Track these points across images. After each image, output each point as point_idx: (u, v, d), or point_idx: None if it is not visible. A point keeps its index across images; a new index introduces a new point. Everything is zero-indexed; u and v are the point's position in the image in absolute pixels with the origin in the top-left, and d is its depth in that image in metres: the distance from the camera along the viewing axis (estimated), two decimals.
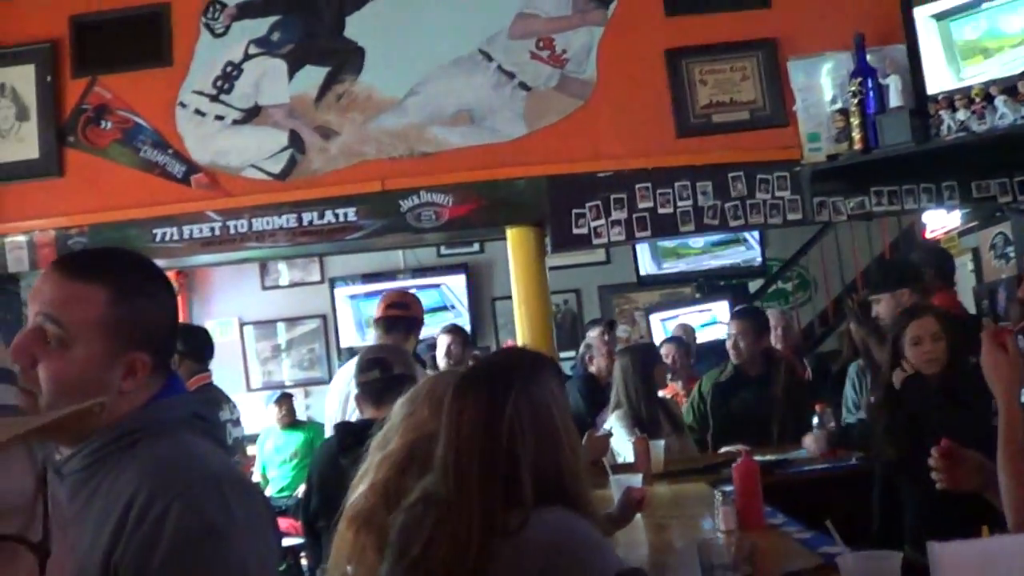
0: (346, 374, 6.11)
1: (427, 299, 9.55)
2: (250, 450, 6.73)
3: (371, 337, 6.52)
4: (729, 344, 6.68)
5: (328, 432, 6.35)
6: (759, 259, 10.87)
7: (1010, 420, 2.68)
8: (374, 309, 6.38)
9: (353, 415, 5.66)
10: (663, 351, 7.36)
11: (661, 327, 10.15)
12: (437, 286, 11.36)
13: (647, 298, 11.41)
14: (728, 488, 4.54)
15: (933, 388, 4.26)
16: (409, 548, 2.35)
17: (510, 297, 6.12)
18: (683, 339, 7.99)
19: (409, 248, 10.38)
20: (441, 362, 7.02)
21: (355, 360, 6.21)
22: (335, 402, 5.90)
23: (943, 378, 4.25)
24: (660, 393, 6.47)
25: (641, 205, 5.98)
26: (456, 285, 11.44)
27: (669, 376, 6.86)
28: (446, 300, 11.37)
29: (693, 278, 10.82)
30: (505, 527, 2.23)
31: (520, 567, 2.20)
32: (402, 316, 6.11)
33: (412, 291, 6.90)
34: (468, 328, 11.06)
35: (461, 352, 7.13)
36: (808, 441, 5.67)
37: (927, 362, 4.26)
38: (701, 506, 4.53)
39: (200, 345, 6.25)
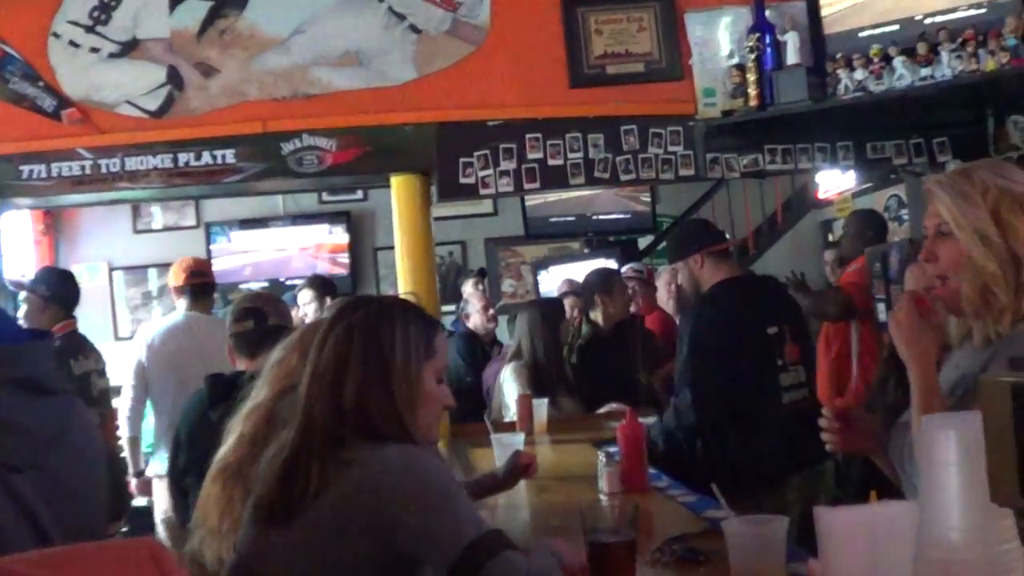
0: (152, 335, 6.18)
1: None
2: (116, 402, 6.61)
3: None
4: (616, 306, 6.79)
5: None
6: (649, 216, 10.94)
7: (927, 390, 2.61)
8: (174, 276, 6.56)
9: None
10: (568, 305, 7.39)
11: (548, 282, 10.17)
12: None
13: (534, 252, 11.43)
14: (612, 449, 4.56)
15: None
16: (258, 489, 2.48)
17: (393, 247, 6.07)
18: (580, 294, 8.03)
19: (289, 194, 10.27)
20: (311, 315, 7.02)
21: (159, 323, 6.37)
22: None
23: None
24: None
25: (531, 156, 5.96)
26: (337, 233, 11.37)
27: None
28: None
29: (582, 232, 10.85)
30: (338, 459, 2.36)
31: (351, 503, 2.31)
32: (207, 282, 6.28)
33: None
34: (349, 278, 11.05)
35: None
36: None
37: None
38: (585, 467, 4.54)
39: (66, 290, 6.13)
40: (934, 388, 2.64)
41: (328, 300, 7.02)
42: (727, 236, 5.39)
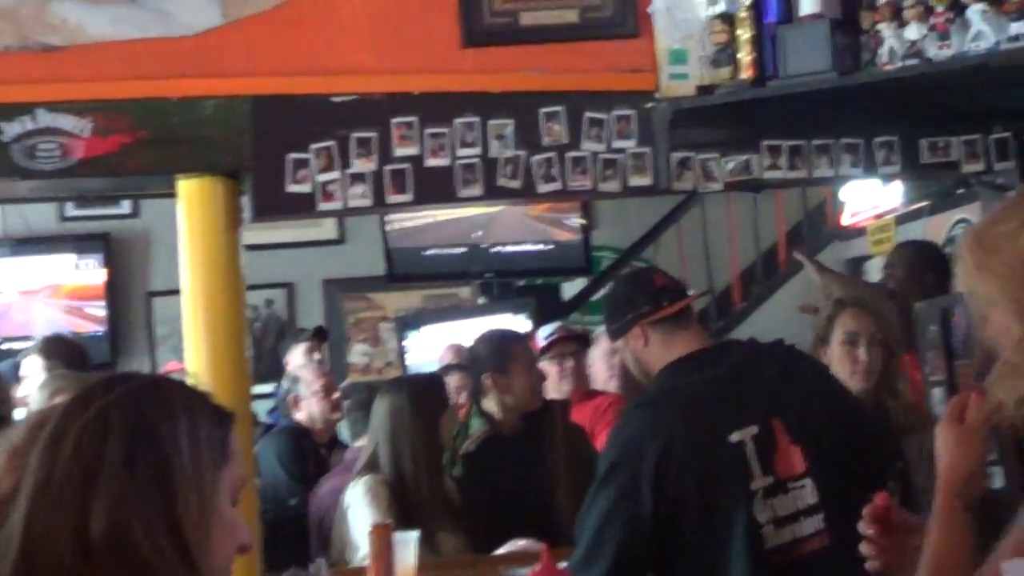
0: None
1: None
2: None
3: None
4: (518, 392, 6.80)
5: None
6: (580, 248, 10.98)
7: (947, 523, 2.76)
8: None
9: None
10: (452, 384, 7.40)
11: (421, 349, 10.17)
12: None
13: (401, 302, 11.45)
14: None
15: None
16: None
17: (178, 292, 6.04)
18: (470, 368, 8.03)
19: (12, 203, 10.15)
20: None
21: None
22: None
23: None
24: None
25: (400, 151, 5.96)
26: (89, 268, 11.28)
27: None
28: None
29: (476, 273, 10.88)
30: None
31: None
32: None
33: None
34: (107, 339, 10.95)
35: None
36: None
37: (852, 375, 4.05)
38: None
39: None
40: (957, 524, 2.76)
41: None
42: (686, 290, 5.34)
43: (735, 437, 4.69)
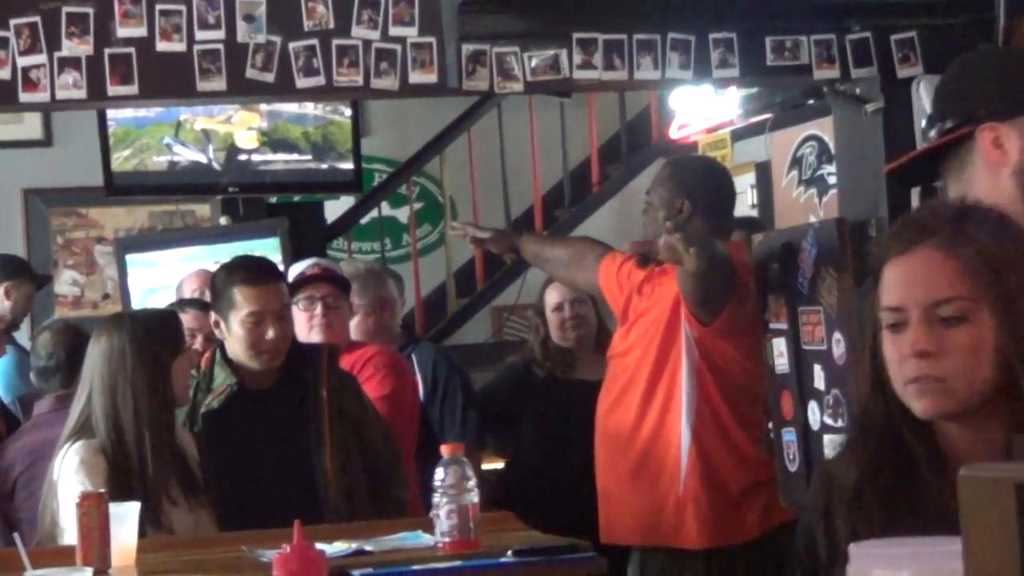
0: None
1: None
2: None
3: None
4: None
5: None
6: (349, 157, 10.95)
7: None
8: None
9: None
10: (186, 324, 7.32)
11: (146, 277, 10.11)
12: None
13: (122, 220, 11.36)
14: None
15: None
16: None
17: None
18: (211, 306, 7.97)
19: None
20: None
21: None
22: None
23: None
24: None
25: (123, 32, 5.91)
26: None
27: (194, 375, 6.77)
28: None
29: (219, 186, 10.81)
30: None
31: None
32: None
33: None
34: None
35: None
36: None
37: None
38: None
39: None
40: None
41: None
42: None
43: None
